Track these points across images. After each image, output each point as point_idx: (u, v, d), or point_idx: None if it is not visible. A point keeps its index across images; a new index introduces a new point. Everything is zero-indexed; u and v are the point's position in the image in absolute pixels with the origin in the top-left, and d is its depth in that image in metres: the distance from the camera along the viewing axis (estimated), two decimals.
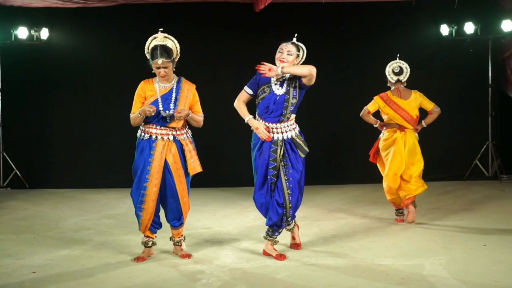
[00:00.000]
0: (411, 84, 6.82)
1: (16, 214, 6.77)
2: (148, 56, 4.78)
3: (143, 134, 4.79)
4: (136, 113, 4.72)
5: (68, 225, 6.13)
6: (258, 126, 4.75)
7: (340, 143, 9.08)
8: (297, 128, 4.84)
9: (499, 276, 4.17)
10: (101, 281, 4.18)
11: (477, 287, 3.97)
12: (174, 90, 4.77)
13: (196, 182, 8.79)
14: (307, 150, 4.84)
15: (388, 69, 6.07)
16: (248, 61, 8.96)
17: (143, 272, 4.40)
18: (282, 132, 4.75)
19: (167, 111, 4.69)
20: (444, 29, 8.92)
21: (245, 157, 8.06)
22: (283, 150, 4.73)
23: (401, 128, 6.09)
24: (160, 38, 4.74)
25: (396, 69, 6.01)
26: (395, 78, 6.03)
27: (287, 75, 4.78)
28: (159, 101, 4.72)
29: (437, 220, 6.20)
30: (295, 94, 4.77)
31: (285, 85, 4.77)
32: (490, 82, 9.07)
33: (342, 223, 6.18)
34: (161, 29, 4.80)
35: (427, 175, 9.39)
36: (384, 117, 6.17)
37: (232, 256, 4.82)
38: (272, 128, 4.75)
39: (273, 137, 4.74)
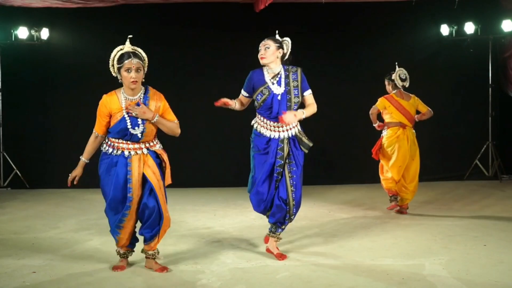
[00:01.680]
0: (412, 84, 6.85)
1: (16, 214, 6.77)
2: (114, 65, 4.44)
3: (111, 149, 4.40)
4: (82, 159, 4.53)
5: (68, 225, 6.14)
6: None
7: (340, 143, 9.07)
8: (299, 125, 4.82)
9: (499, 276, 4.17)
10: (101, 281, 4.18)
11: (477, 287, 3.97)
12: (141, 103, 4.36)
13: (197, 182, 8.87)
14: (310, 145, 4.81)
15: (396, 76, 6.65)
16: (248, 61, 9.01)
17: (143, 272, 4.40)
18: (286, 130, 4.72)
19: (136, 128, 4.33)
20: (444, 29, 8.92)
21: (245, 157, 8.09)
22: (289, 148, 4.72)
23: (403, 125, 6.62)
24: (127, 46, 4.44)
25: (403, 76, 6.65)
26: (401, 83, 6.64)
27: (282, 74, 4.74)
28: (126, 118, 4.31)
29: (437, 220, 6.20)
30: (296, 93, 4.72)
31: (282, 83, 4.72)
32: (490, 82, 9.07)
33: (342, 223, 6.18)
34: (130, 36, 4.50)
35: (427, 175, 9.45)
36: (386, 117, 6.69)
37: (232, 256, 4.82)
38: (277, 127, 4.71)
39: (279, 135, 4.70)
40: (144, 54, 4.47)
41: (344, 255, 4.83)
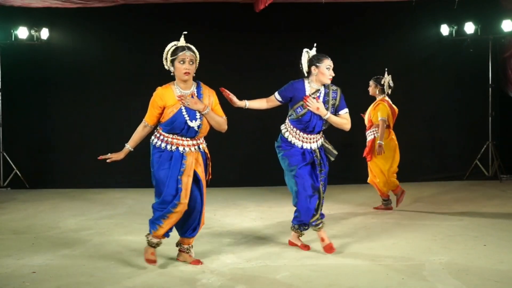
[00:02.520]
0: (412, 83, 6.87)
1: (16, 214, 6.77)
2: (168, 58, 4.52)
3: (164, 144, 4.43)
4: (127, 146, 4.57)
5: (68, 225, 6.13)
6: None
7: (340, 143, 9.05)
8: (324, 135, 5.01)
9: (499, 276, 4.17)
10: (101, 281, 4.18)
11: (477, 287, 3.97)
12: (195, 96, 4.47)
13: None
14: (336, 153, 4.99)
15: (386, 82, 6.72)
16: (248, 61, 9.04)
17: (143, 272, 4.40)
18: (316, 141, 4.90)
19: (193, 121, 4.40)
20: (444, 29, 8.93)
21: (245, 157, 8.11)
22: (320, 156, 4.90)
23: (389, 127, 6.77)
24: (182, 42, 4.50)
25: (391, 83, 6.73)
26: (389, 90, 6.78)
27: (323, 91, 4.84)
28: (183, 111, 4.38)
29: (437, 220, 6.20)
30: (332, 111, 4.87)
31: (320, 100, 4.82)
32: (490, 82, 9.07)
33: (342, 223, 6.18)
34: (185, 32, 4.54)
35: (427, 175, 9.47)
36: (388, 121, 6.76)
37: (232, 256, 4.82)
38: (309, 139, 4.86)
39: (310, 146, 4.86)
40: (196, 50, 4.52)
41: (344, 255, 4.83)
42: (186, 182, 4.38)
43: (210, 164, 4.62)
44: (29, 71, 8.82)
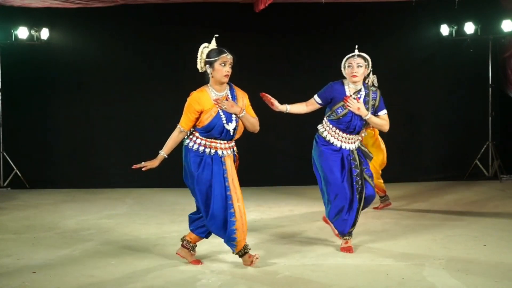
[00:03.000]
0: (412, 83, 6.86)
1: (16, 214, 6.77)
2: (202, 59, 4.47)
3: (202, 147, 4.41)
4: (162, 153, 4.48)
5: (68, 225, 6.13)
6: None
7: None
8: (360, 138, 5.07)
9: (499, 276, 4.17)
10: (101, 281, 4.18)
11: (477, 287, 3.97)
12: (229, 98, 4.45)
13: None
14: (372, 156, 5.10)
15: (371, 81, 6.67)
16: (248, 61, 9.02)
17: (144, 272, 4.40)
18: (354, 142, 4.94)
19: (229, 123, 4.39)
20: (444, 29, 8.92)
21: (245, 157, 8.09)
22: (358, 155, 4.96)
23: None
24: (213, 44, 4.53)
25: (376, 83, 6.65)
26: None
27: (363, 91, 4.89)
28: (221, 114, 4.37)
29: (437, 220, 6.20)
30: (372, 111, 4.91)
31: (361, 101, 4.87)
32: (490, 82, 9.07)
33: None
34: (217, 35, 4.57)
35: (427, 175, 9.46)
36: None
37: (232, 256, 4.81)
38: (349, 139, 4.91)
39: (349, 147, 4.91)
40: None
41: (344, 255, 4.83)
42: (233, 185, 4.39)
43: (237, 166, 4.60)
44: (29, 71, 8.82)
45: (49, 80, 8.87)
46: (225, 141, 4.43)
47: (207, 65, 4.41)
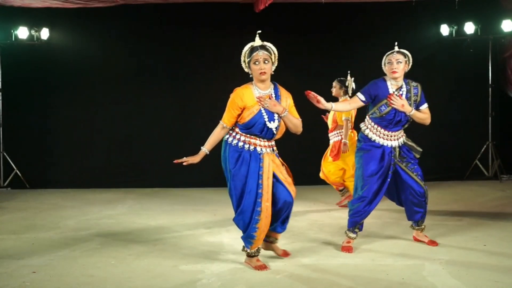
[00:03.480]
0: None
1: (16, 214, 6.77)
2: (245, 61, 4.45)
3: (241, 143, 4.41)
4: (204, 149, 4.50)
5: (68, 225, 6.13)
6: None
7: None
8: (405, 134, 5.09)
9: (499, 276, 4.17)
10: (101, 281, 4.18)
11: (477, 287, 3.97)
12: (273, 98, 4.43)
13: (197, 182, 8.86)
14: (420, 150, 5.12)
15: (350, 84, 6.88)
16: None
17: (143, 272, 4.40)
18: (397, 139, 4.98)
19: (271, 122, 4.38)
20: (444, 29, 8.92)
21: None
22: (401, 152, 5.00)
23: (352, 127, 6.99)
24: (257, 42, 4.46)
25: (354, 85, 6.88)
26: (351, 92, 6.87)
27: (404, 87, 4.93)
28: (263, 112, 4.36)
29: (437, 220, 6.20)
30: (415, 107, 4.96)
31: (404, 97, 4.93)
32: (490, 82, 9.07)
33: (342, 223, 6.17)
34: (259, 31, 4.49)
35: (427, 175, 9.42)
36: (351, 120, 6.90)
37: (232, 256, 4.81)
38: (391, 136, 4.94)
39: (391, 144, 4.95)
40: (273, 48, 4.47)
41: (344, 255, 4.83)
42: (267, 184, 4.38)
43: (286, 165, 4.62)
44: (29, 71, 8.82)
45: (49, 80, 8.88)
46: (265, 140, 4.44)
47: (247, 66, 4.45)
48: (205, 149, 4.50)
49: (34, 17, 8.53)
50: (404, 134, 5.07)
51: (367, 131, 4.98)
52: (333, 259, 4.73)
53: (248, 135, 4.41)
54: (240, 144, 4.40)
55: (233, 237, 5.53)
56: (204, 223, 6.22)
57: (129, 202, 7.66)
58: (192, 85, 9.00)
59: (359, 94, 4.95)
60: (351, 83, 6.87)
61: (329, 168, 7.02)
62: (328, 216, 6.59)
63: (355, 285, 4.05)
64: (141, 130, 9.00)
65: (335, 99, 7.01)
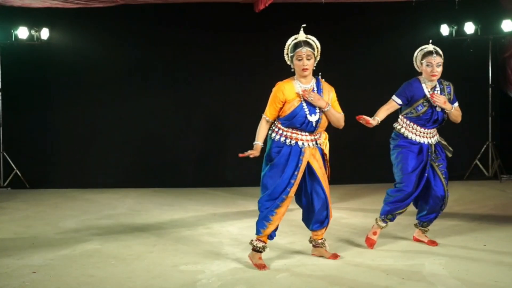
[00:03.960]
0: None
1: (16, 214, 6.77)
2: (288, 53, 4.53)
3: (283, 138, 4.48)
4: (258, 143, 4.51)
5: (68, 225, 6.13)
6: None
7: (339, 143, 9.05)
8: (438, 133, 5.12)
9: (499, 276, 4.17)
10: (101, 281, 4.18)
11: (477, 287, 3.97)
12: (315, 91, 4.50)
13: (197, 182, 8.87)
14: (451, 150, 5.19)
15: None
16: (248, 61, 9.03)
17: (143, 272, 4.40)
18: (433, 137, 5.03)
19: (312, 115, 4.45)
20: (444, 29, 8.92)
21: (247, 158, 8.11)
22: (436, 150, 5.04)
23: None
24: (301, 35, 4.50)
25: None
26: None
27: (438, 86, 4.96)
28: (304, 105, 4.43)
29: (437, 220, 6.18)
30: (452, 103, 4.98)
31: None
32: (490, 82, 9.07)
33: (342, 223, 6.18)
34: (304, 25, 4.54)
35: None
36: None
37: (232, 256, 4.82)
38: (428, 133, 4.99)
39: (428, 142, 4.99)
40: (317, 43, 4.52)
41: (344, 255, 4.83)
42: (299, 177, 4.48)
43: (328, 160, 4.68)
44: (29, 71, 8.82)
45: (49, 80, 8.87)
46: (307, 133, 4.48)
47: (290, 60, 4.52)
48: (259, 142, 4.55)
49: (34, 17, 8.53)
50: (437, 134, 5.10)
51: (402, 130, 4.97)
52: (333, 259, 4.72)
53: (290, 129, 4.47)
54: (282, 139, 4.47)
55: (233, 237, 5.53)
56: (204, 223, 6.22)
57: (129, 202, 7.66)
58: (192, 85, 9.00)
59: (395, 97, 4.99)
60: None
61: None
62: None
63: (355, 285, 4.06)
64: (141, 130, 9.00)
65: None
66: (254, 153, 4.52)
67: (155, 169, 8.98)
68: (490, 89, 9.06)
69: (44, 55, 8.75)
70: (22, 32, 8.45)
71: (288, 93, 4.44)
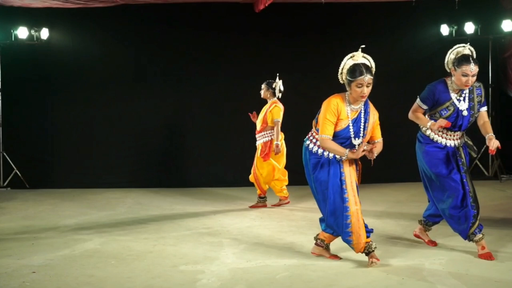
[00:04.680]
0: (412, 84, 6.81)
1: (16, 214, 6.77)
2: (343, 74, 4.39)
3: (322, 151, 4.43)
4: (340, 150, 4.33)
5: (68, 225, 6.13)
6: (440, 123, 4.63)
7: None
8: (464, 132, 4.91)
9: (499, 276, 4.17)
10: (101, 281, 4.18)
11: (477, 287, 3.97)
12: (362, 114, 4.42)
13: (197, 182, 8.87)
14: (476, 150, 5.03)
15: (278, 86, 7.01)
16: (247, 61, 9.03)
17: (143, 272, 4.39)
18: (459, 138, 4.84)
19: (356, 139, 4.40)
20: (444, 29, 8.93)
21: (245, 157, 8.11)
22: (462, 154, 4.83)
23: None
24: (359, 55, 4.40)
25: (282, 87, 7.02)
26: (280, 94, 7.04)
27: (466, 91, 4.69)
28: (350, 126, 4.37)
29: None
30: (478, 108, 4.77)
31: (467, 99, 4.71)
32: (490, 82, 9.07)
33: None
34: (363, 46, 4.43)
35: None
36: (279, 121, 6.96)
37: (232, 256, 4.81)
38: (453, 135, 4.80)
39: (454, 144, 4.80)
40: (373, 65, 4.45)
41: (344, 255, 4.83)
42: (352, 188, 4.39)
43: (360, 167, 4.58)
44: (29, 71, 8.82)
45: (49, 80, 8.88)
46: (345, 147, 4.39)
47: (345, 82, 4.39)
48: (346, 151, 4.35)
49: (34, 17, 8.53)
50: (464, 134, 4.93)
51: (428, 132, 4.78)
52: (333, 259, 4.72)
53: None
54: (320, 151, 4.43)
55: (233, 237, 5.53)
56: (204, 223, 6.21)
57: (129, 202, 7.66)
58: (192, 85, 9.00)
59: (419, 102, 4.80)
60: (277, 85, 6.99)
61: (261, 171, 7.04)
62: None
63: (355, 285, 4.05)
64: (141, 130, 9.00)
65: (264, 101, 7.08)
66: (362, 153, 4.34)
67: (155, 169, 8.98)
68: (490, 89, 9.06)
69: (44, 55, 8.76)
70: (22, 32, 8.46)
71: (341, 112, 4.36)
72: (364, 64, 4.35)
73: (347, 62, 4.38)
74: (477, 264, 4.50)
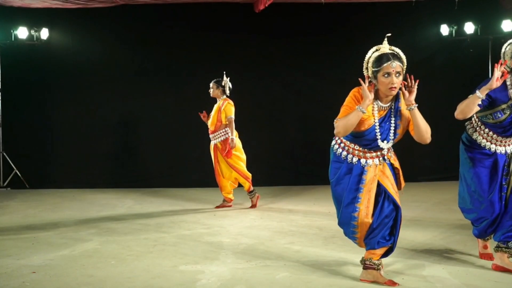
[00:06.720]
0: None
1: (16, 214, 6.77)
2: (369, 68, 3.86)
3: (345, 153, 3.94)
4: (354, 111, 3.71)
5: (68, 225, 6.14)
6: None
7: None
8: None
9: (499, 276, 4.17)
10: (101, 281, 4.18)
11: (477, 287, 3.97)
12: (392, 112, 3.86)
13: (197, 182, 8.86)
14: None
15: (227, 84, 7.09)
16: (247, 61, 9.04)
17: (143, 272, 4.39)
18: (510, 144, 4.32)
19: (384, 141, 3.84)
20: (444, 29, 8.93)
21: (247, 158, 8.12)
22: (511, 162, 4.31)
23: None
24: (386, 47, 3.90)
25: (230, 84, 7.09)
26: (228, 92, 7.13)
27: None
28: (376, 127, 3.80)
29: (437, 220, 6.20)
30: None
31: None
32: None
33: None
34: (388, 34, 3.96)
35: (427, 175, 9.46)
36: (232, 119, 7.00)
37: (232, 256, 4.81)
38: (505, 141, 4.28)
39: (505, 150, 4.27)
40: (403, 56, 3.88)
41: (344, 255, 4.83)
42: (367, 199, 3.90)
43: (401, 173, 4.05)
44: (29, 71, 8.83)
45: (49, 80, 8.89)
46: (372, 151, 3.91)
47: (372, 75, 3.83)
48: (362, 108, 3.73)
49: (34, 17, 8.54)
50: None
51: (475, 135, 4.35)
52: (333, 259, 4.72)
53: (353, 145, 3.93)
54: (344, 154, 3.95)
55: (233, 237, 5.53)
56: (204, 223, 6.21)
57: (129, 202, 7.66)
58: (192, 85, 9.00)
59: (479, 94, 4.26)
60: (227, 83, 7.04)
61: (225, 170, 7.08)
62: (328, 216, 6.59)
63: (355, 285, 4.05)
64: (141, 130, 9.00)
65: (213, 100, 7.13)
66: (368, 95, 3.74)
67: (154, 169, 8.98)
68: None
69: (44, 55, 8.76)
70: (22, 32, 8.47)
71: (367, 108, 3.76)
72: (390, 52, 3.83)
73: (372, 55, 3.88)
74: (477, 264, 4.49)
